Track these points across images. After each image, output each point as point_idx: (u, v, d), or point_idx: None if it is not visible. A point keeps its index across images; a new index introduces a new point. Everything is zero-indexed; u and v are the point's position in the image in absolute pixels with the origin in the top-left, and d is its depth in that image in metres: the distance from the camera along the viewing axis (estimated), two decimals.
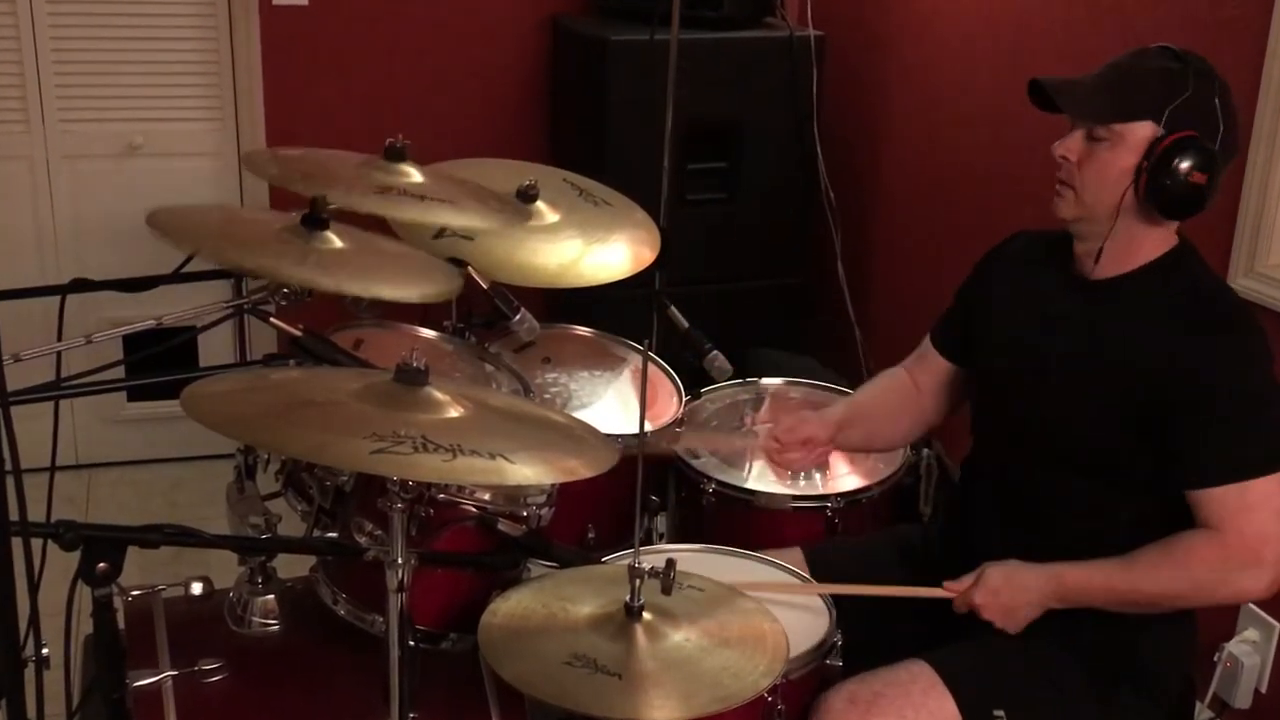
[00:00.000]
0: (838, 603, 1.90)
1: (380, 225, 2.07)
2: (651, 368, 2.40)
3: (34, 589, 1.48)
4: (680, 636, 1.62)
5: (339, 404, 1.52)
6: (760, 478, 2.31)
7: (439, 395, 1.54)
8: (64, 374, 1.81)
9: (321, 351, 1.82)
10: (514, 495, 1.81)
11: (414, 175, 1.98)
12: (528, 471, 1.48)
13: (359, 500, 1.78)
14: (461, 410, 1.53)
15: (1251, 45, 2.34)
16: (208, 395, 1.54)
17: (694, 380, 2.49)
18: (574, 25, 3.56)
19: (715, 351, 2.41)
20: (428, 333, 2.30)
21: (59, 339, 1.80)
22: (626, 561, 1.64)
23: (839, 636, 1.84)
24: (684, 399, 2.39)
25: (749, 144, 3.47)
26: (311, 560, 1.88)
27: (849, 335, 3.63)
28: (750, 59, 3.42)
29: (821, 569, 2.06)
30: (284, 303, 1.78)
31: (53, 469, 1.94)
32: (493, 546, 1.83)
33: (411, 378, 1.54)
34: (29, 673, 1.51)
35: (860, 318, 3.63)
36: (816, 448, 2.15)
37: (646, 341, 1.86)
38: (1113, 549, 1.80)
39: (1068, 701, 1.85)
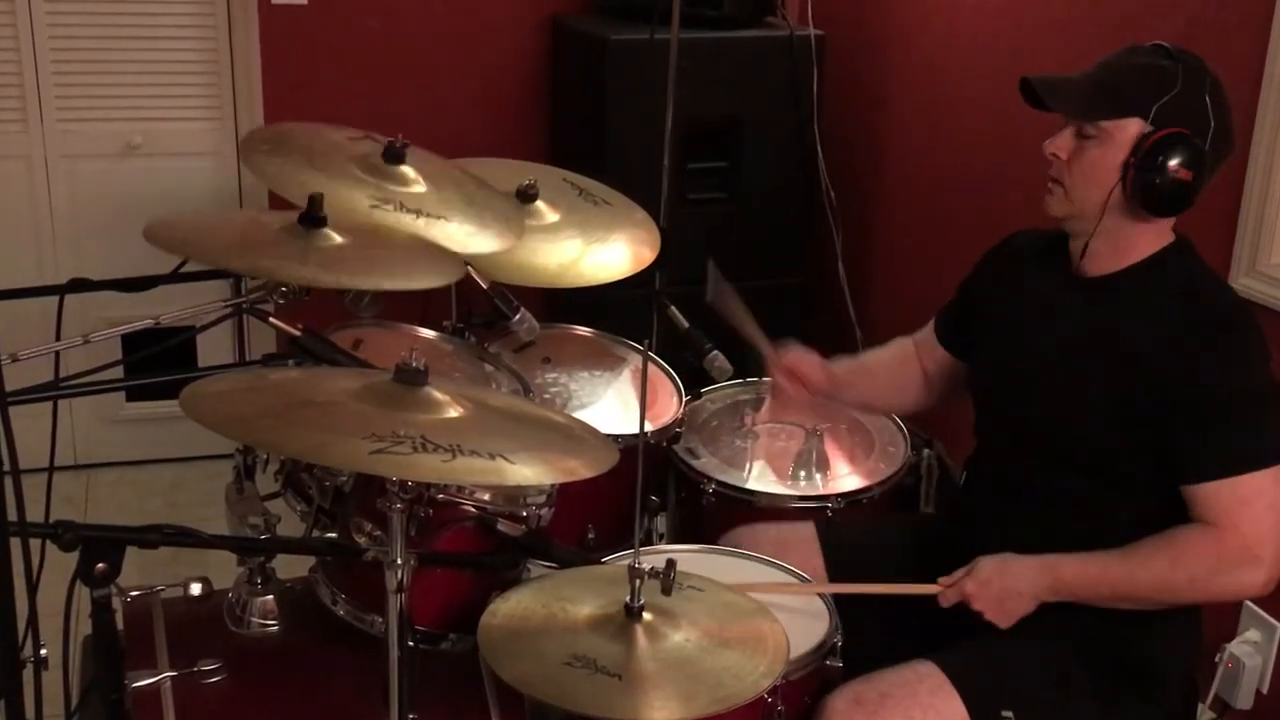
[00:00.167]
0: (843, 600, 1.90)
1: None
2: (651, 368, 2.40)
3: (32, 589, 1.48)
4: (680, 637, 1.62)
5: (338, 404, 1.51)
6: (760, 478, 2.31)
7: (438, 395, 1.54)
8: (62, 374, 1.81)
9: (320, 351, 1.82)
10: (514, 495, 1.81)
11: (413, 180, 1.98)
12: (527, 472, 1.48)
13: (358, 500, 1.77)
14: (461, 410, 1.53)
15: (1253, 44, 2.34)
16: (207, 395, 1.54)
17: (694, 380, 2.48)
18: (574, 24, 3.56)
19: (715, 351, 2.41)
20: (427, 333, 2.29)
21: (57, 339, 1.79)
22: (626, 562, 1.64)
23: (839, 637, 1.83)
24: (684, 399, 2.39)
25: (749, 144, 3.46)
26: (311, 561, 1.88)
27: (849, 335, 3.63)
28: (750, 58, 3.42)
29: (832, 550, 2.07)
30: (283, 302, 1.77)
31: (51, 469, 1.94)
32: (492, 547, 1.82)
33: (411, 378, 1.53)
34: (28, 673, 1.51)
35: (861, 318, 3.63)
36: (804, 387, 2.19)
37: (646, 341, 1.86)
38: (1115, 548, 1.79)
39: (1075, 702, 1.85)
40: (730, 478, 2.28)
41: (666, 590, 1.63)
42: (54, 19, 3.33)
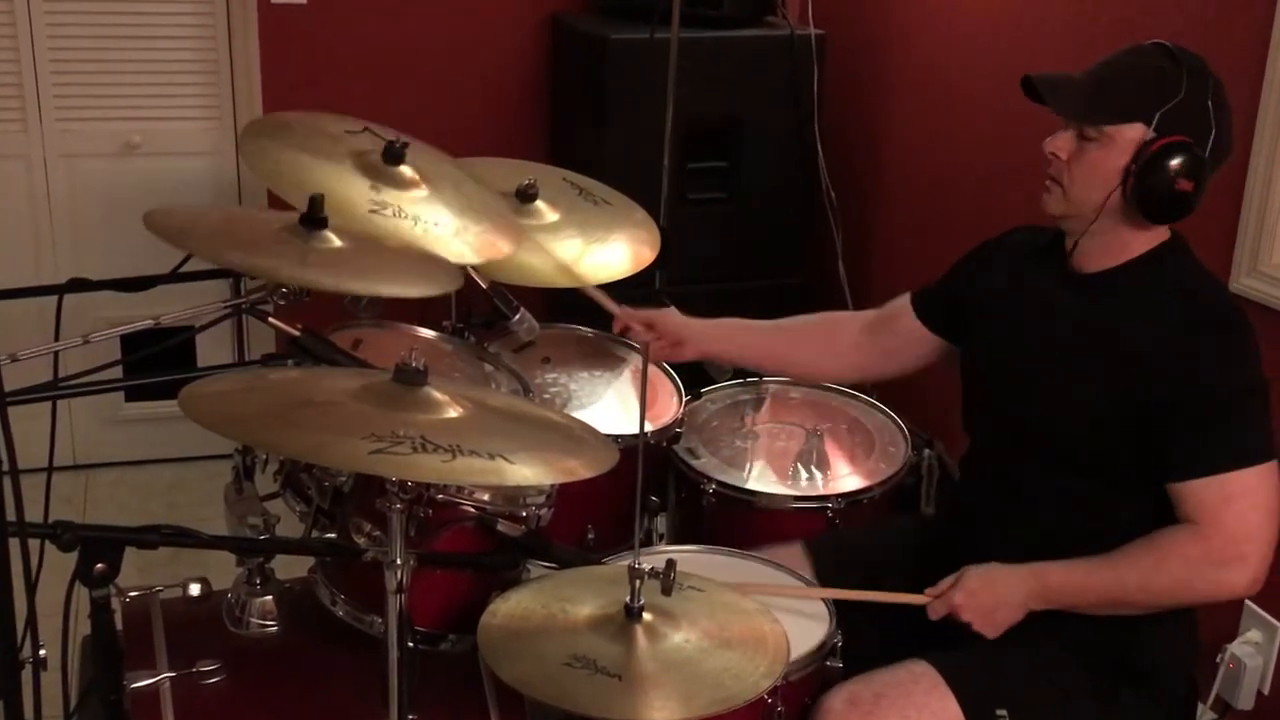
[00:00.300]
0: (839, 603, 1.89)
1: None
2: (651, 368, 2.40)
3: (31, 590, 1.47)
4: (680, 637, 1.62)
5: (337, 404, 1.51)
6: (760, 478, 2.31)
7: (438, 395, 1.53)
8: (61, 374, 1.80)
9: (320, 351, 1.81)
10: (513, 496, 1.81)
11: (411, 182, 1.97)
12: (527, 472, 1.48)
13: (358, 501, 1.77)
14: (461, 410, 1.53)
15: (1254, 44, 2.34)
16: (206, 395, 1.53)
17: (694, 380, 2.48)
18: (574, 24, 3.55)
19: None
20: (427, 333, 2.29)
21: (56, 339, 1.79)
22: (626, 562, 1.63)
23: (839, 638, 1.83)
24: (684, 399, 2.39)
25: (749, 143, 3.46)
26: (310, 561, 1.88)
27: None
28: (751, 58, 3.42)
29: (822, 561, 2.06)
30: (282, 302, 1.77)
31: (50, 469, 1.94)
32: (492, 547, 1.82)
33: (410, 378, 1.53)
34: (26, 674, 1.51)
35: None
36: (661, 338, 2.22)
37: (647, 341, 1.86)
38: (1114, 549, 1.79)
39: (1070, 702, 1.85)
40: (730, 478, 2.28)
41: (666, 591, 1.63)
42: (53, 18, 3.32)
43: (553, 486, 1.85)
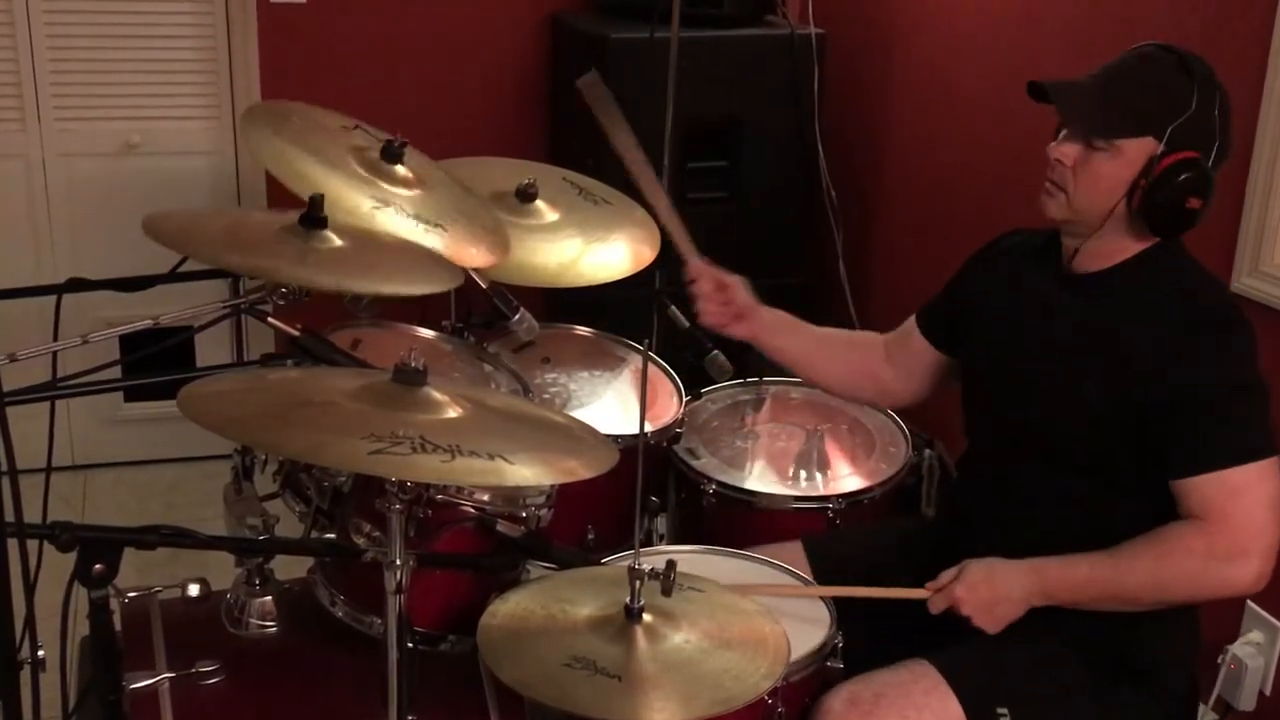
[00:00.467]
0: (837, 603, 1.89)
1: None
2: (651, 368, 2.39)
3: (30, 590, 1.47)
4: (680, 638, 1.62)
5: (337, 404, 1.51)
6: (761, 478, 2.30)
7: (437, 395, 1.53)
8: (60, 374, 1.80)
9: (319, 351, 1.81)
10: (513, 496, 1.81)
11: (411, 181, 1.97)
12: (527, 472, 1.47)
13: (357, 501, 1.77)
14: (460, 411, 1.53)
15: (1255, 44, 2.33)
16: (205, 395, 1.53)
17: (694, 380, 2.48)
18: (574, 23, 3.55)
19: (715, 351, 2.40)
20: (426, 333, 2.29)
21: (55, 339, 1.79)
22: (626, 563, 1.63)
23: (840, 638, 1.83)
24: (684, 399, 2.38)
25: (749, 143, 3.46)
26: (309, 562, 1.87)
27: None
28: (751, 57, 3.41)
29: (820, 561, 2.05)
30: (281, 302, 1.77)
31: (49, 469, 1.93)
32: (492, 548, 1.82)
33: (410, 378, 1.53)
34: (25, 675, 1.50)
35: (862, 317, 3.63)
36: (728, 304, 2.15)
37: (646, 341, 1.85)
38: (1105, 549, 1.79)
39: (1071, 700, 1.84)
40: (731, 478, 2.27)
41: (666, 591, 1.63)
42: (51, 17, 3.32)
43: (552, 487, 1.85)
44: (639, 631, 1.60)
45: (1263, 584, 1.73)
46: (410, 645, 1.62)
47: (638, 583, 1.61)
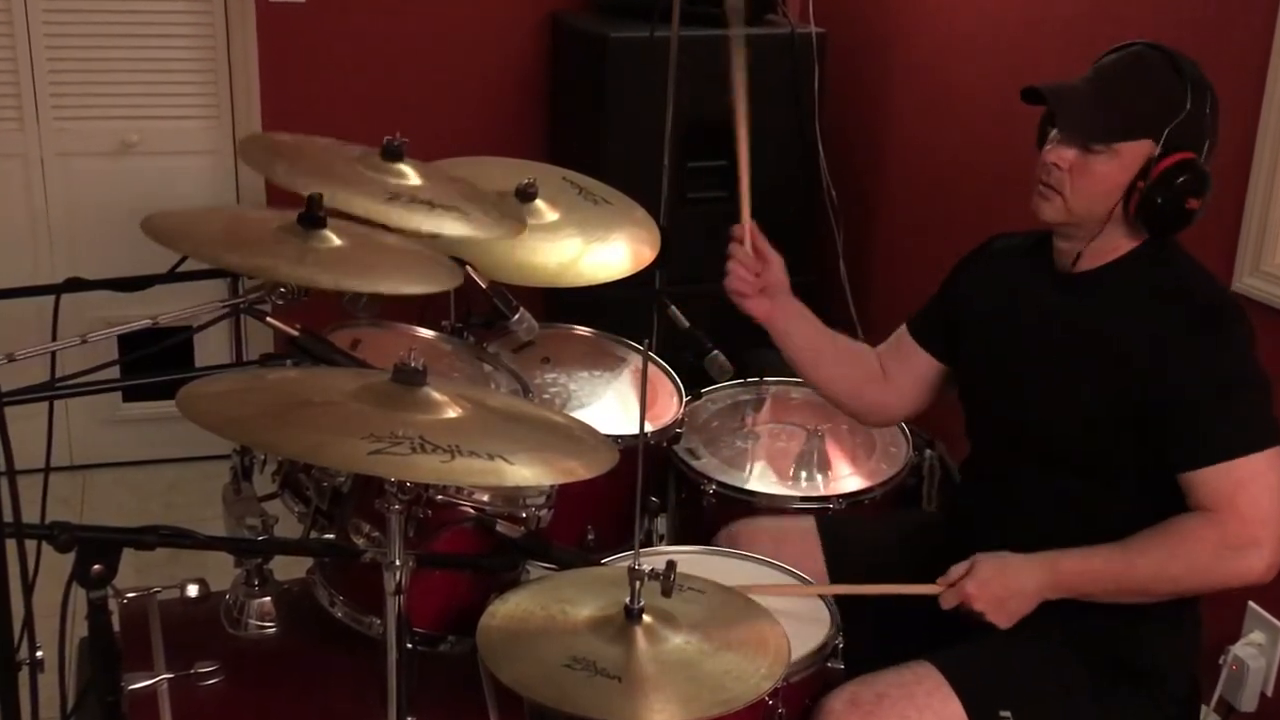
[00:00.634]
0: (843, 603, 1.89)
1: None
2: (651, 368, 2.39)
3: (28, 591, 1.46)
4: (680, 639, 1.61)
5: (336, 404, 1.50)
6: (761, 478, 2.30)
7: (437, 395, 1.53)
8: (59, 374, 1.80)
9: (319, 351, 1.81)
10: (513, 496, 1.80)
11: (412, 177, 1.97)
12: (526, 472, 1.47)
13: (356, 501, 1.76)
14: (460, 411, 1.52)
15: (1256, 44, 2.33)
16: (204, 396, 1.53)
17: (694, 380, 2.47)
18: (574, 22, 3.55)
19: (715, 351, 2.40)
20: (426, 332, 2.28)
21: (53, 339, 1.78)
22: (626, 563, 1.63)
23: (841, 639, 1.82)
24: (684, 399, 2.38)
25: (750, 142, 3.44)
26: (308, 562, 1.87)
27: (850, 335, 3.59)
28: (751, 56, 3.39)
29: (831, 539, 2.07)
30: (280, 302, 1.77)
31: (47, 470, 1.93)
32: (491, 548, 1.82)
33: (409, 378, 1.52)
34: (23, 676, 1.50)
35: (862, 317, 3.62)
36: (758, 276, 2.13)
37: (646, 341, 1.85)
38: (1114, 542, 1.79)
39: (1073, 701, 1.84)
40: (731, 478, 2.27)
41: (667, 592, 1.62)
42: (50, 16, 3.31)
43: (552, 487, 1.85)
44: (639, 632, 1.60)
45: (1274, 573, 1.73)
46: (409, 646, 1.62)
47: (638, 583, 1.60)
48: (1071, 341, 1.85)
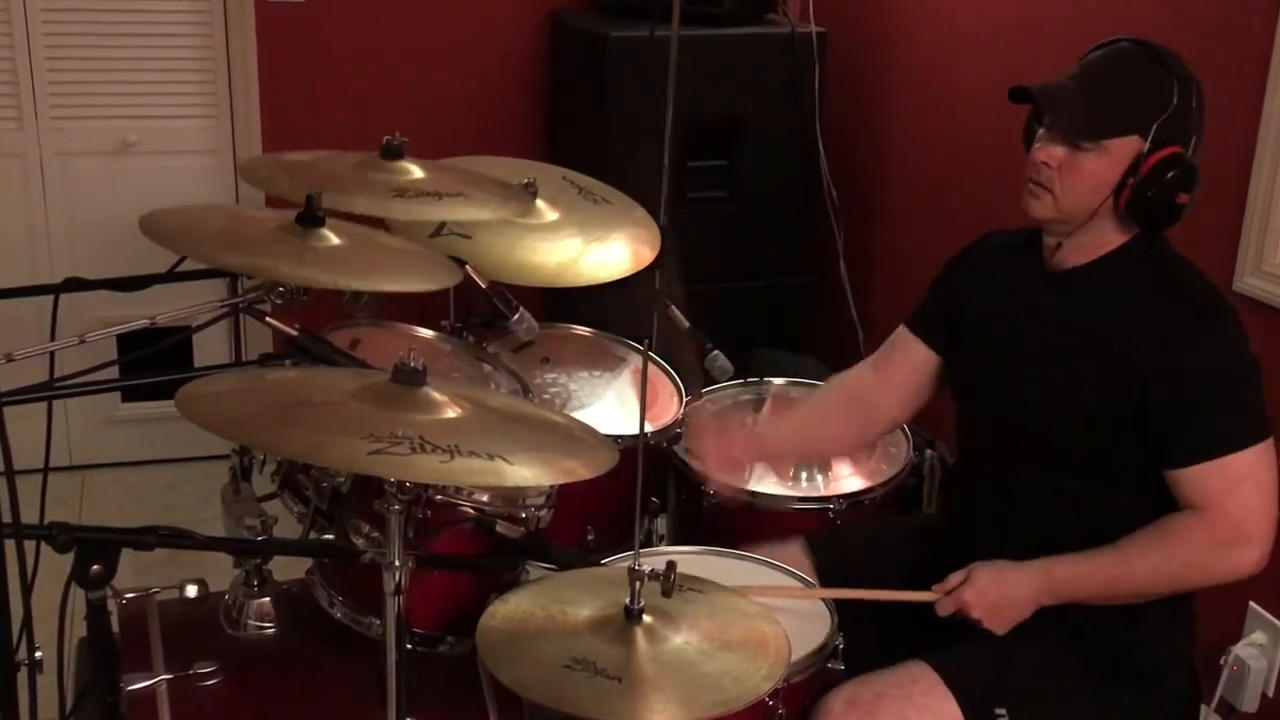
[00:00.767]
0: (843, 605, 1.88)
1: (375, 219, 2.05)
2: (651, 368, 2.38)
3: (27, 591, 1.46)
4: (680, 640, 1.61)
5: (335, 404, 1.50)
6: (761, 479, 2.30)
7: (437, 395, 1.52)
8: (57, 374, 1.80)
9: (318, 351, 1.81)
10: (512, 497, 1.80)
11: (415, 172, 1.96)
12: (526, 473, 1.47)
13: (356, 502, 1.76)
14: (459, 411, 1.52)
15: (1255, 45, 2.33)
16: (203, 396, 1.52)
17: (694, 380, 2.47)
18: (574, 22, 3.55)
19: (716, 351, 2.40)
20: (425, 332, 2.28)
21: (52, 339, 1.78)
22: (626, 564, 1.62)
23: (841, 639, 1.82)
24: (684, 399, 2.38)
25: (750, 142, 3.45)
26: (308, 563, 1.87)
27: (851, 335, 3.62)
28: (752, 56, 3.41)
29: (823, 560, 2.05)
30: (280, 302, 1.76)
31: (46, 470, 1.93)
32: (491, 548, 1.81)
33: (409, 378, 1.52)
34: (22, 676, 1.50)
35: (862, 317, 3.62)
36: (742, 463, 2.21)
37: (646, 341, 1.85)
38: (1108, 545, 1.80)
39: (1071, 700, 1.84)
40: (731, 478, 2.26)
41: (666, 592, 1.62)
42: (49, 15, 3.31)
43: (552, 487, 1.84)
44: (639, 633, 1.60)
45: (1264, 564, 1.75)
46: (409, 646, 1.62)
47: (638, 584, 1.60)
48: (1069, 342, 1.86)
